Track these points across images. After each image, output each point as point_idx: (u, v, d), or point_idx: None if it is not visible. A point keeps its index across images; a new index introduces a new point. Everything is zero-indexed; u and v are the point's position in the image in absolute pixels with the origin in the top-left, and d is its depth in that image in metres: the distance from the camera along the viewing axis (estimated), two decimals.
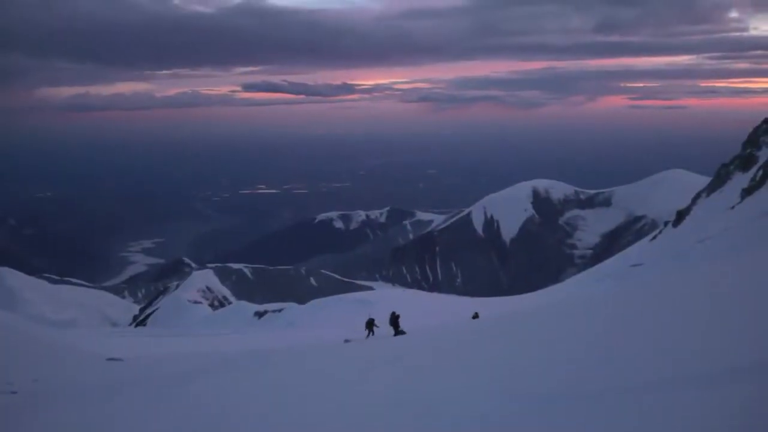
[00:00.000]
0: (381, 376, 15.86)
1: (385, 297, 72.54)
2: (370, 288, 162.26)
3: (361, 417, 10.88)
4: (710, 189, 69.47)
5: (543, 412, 8.73)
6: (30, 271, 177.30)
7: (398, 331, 32.26)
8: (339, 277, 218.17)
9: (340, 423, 10.96)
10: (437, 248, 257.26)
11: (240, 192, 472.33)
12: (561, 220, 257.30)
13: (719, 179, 69.48)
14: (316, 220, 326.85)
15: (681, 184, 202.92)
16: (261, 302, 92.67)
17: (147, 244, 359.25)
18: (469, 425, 8.94)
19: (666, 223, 71.80)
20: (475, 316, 36.62)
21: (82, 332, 67.00)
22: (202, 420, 13.63)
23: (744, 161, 68.29)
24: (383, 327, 33.52)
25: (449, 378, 13.25)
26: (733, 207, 59.79)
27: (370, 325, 33.77)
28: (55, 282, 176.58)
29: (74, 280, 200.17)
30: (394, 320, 32.81)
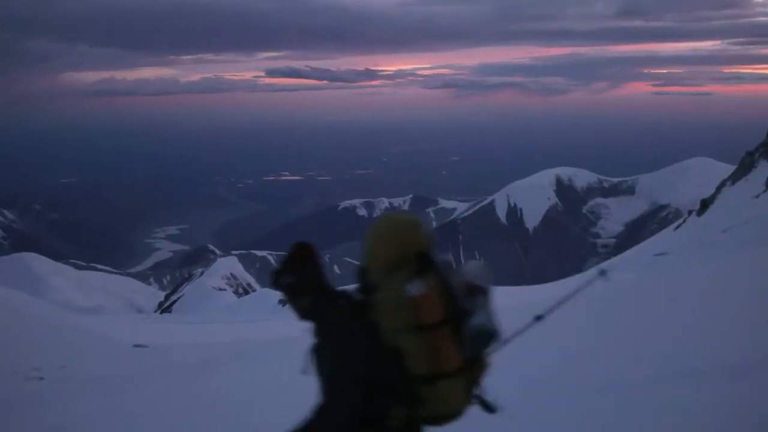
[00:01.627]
0: None
1: None
2: None
3: None
4: (735, 177, 68.68)
5: (554, 403, 8.77)
6: (56, 257, 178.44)
7: None
8: None
9: None
10: (460, 236, 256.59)
11: (264, 178, 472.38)
12: (584, 209, 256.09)
13: (744, 167, 68.67)
14: (340, 208, 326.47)
15: (705, 172, 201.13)
16: None
17: (172, 230, 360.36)
18: (487, 418, 9.00)
19: (690, 212, 71.11)
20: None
21: (108, 318, 67.50)
22: (228, 407, 13.77)
23: None
24: None
25: None
26: (757, 196, 59.18)
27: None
28: (81, 268, 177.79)
29: (100, 267, 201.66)
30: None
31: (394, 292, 3.70)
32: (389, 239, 3.96)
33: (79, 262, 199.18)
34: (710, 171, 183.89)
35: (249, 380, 17.46)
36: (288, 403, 12.93)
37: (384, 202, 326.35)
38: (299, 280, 4.24)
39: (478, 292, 4.03)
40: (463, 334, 3.75)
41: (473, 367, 3.95)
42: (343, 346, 3.90)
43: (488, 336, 3.84)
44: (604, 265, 65.61)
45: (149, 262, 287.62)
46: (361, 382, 3.75)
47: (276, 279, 4.30)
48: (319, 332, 4.16)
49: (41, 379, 22.03)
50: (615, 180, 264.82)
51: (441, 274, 3.84)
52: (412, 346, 3.62)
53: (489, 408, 4.30)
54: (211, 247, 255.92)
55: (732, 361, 8.60)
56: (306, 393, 13.26)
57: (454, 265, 4.16)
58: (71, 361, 26.26)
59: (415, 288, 3.64)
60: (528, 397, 9.52)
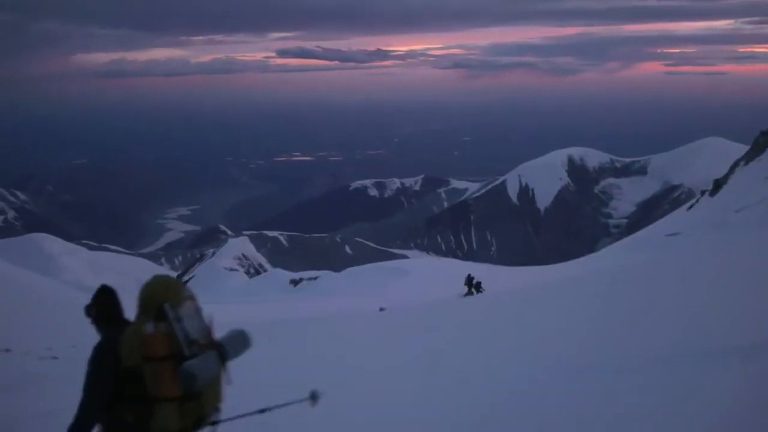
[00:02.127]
0: (414, 345, 15.99)
1: (420, 266, 72.58)
2: (405, 256, 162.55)
3: (394, 385, 10.99)
4: (748, 157, 68.33)
5: (572, 383, 8.77)
6: (68, 237, 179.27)
7: (471, 292, 36.41)
8: (374, 245, 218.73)
9: (372, 391, 11.09)
10: (472, 216, 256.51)
11: (275, 159, 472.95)
12: (596, 189, 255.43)
13: (757, 147, 68.29)
14: (351, 188, 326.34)
15: (718, 152, 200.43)
16: (296, 270, 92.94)
17: (183, 211, 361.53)
18: (500, 396, 9.01)
19: (703, 192, 70.87)
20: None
21: (120, 299, 67.84)
22: (236, 387, 13.80)
23: None
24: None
25: (481, 348, 13.32)
26: None
27: (470, 282, 37.25)
28: (92, 248, 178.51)
29: (112, 247, 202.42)
30: (470, 281, 36.94)
31: (135, 329, 4.90)
32: (143, 292, 5.11)
33: (91, 243, 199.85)
34: (723, 151, 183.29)
35: (258, 361, 17.50)
36: (295, 382, 12.97)
37: (395, 183, 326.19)
38: (97, 312, 5.44)
39: (210, 346, 5.02)
40: (184, 373, 4.67)
41: (195, 398, 4.84)
42: (93, 362, 5.05)
43: (190, 379, 4.66)
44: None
45: (161, 243, 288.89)
46: (104, 389, 4.88)
47: (85, 310, 5.52)
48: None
49: (54, 358, 22.17)
50: (627, 160, 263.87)
51: (173, 323, 4.79)
52: (144, 372, 4.70)
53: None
54: (223, 227, 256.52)
55: (745, 342, 8.56)
56: (313, 372, 13.30)
57: (209, 320, 5.21)
58: (83, 341, 26.38)
59: (149, 329, 4.77)
60: (545, 379, 9.53)
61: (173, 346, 4.77)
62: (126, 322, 5.37)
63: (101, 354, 5.04)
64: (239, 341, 5.54)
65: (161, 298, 4.98)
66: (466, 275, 38.69)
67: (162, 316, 4.87)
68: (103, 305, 5.56)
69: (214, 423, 5.22)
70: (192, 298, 5.21)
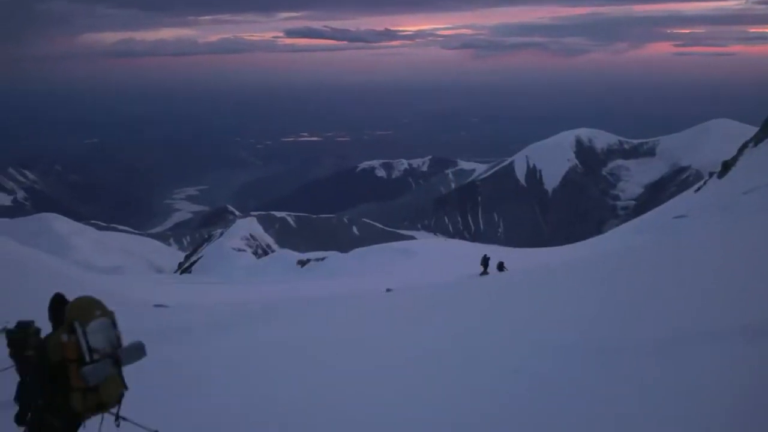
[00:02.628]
0: (420, 326, 16.05)
1: (427, 247, 72.64)
2: (412, 237, 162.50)
3: (399, 367, 11.05)
4: (757, 139, 68.08)
5: (580, 364, 8.82)
6: (77, 217, 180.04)
7: (487, 272, 37.40)
8: (381, 226, 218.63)
9: (376, 372, 11.16)
10: (479, 198, 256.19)
11: (283, 140, 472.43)
12: (604, 171, 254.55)
13: (766, 129, 68.05)
14: (359, 169, 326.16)
15: (727, 133, 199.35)
16: (304, 250, 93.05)
17: (191, 191, 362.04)
18: (504, 378, 9.05)
19: (711, 174, 70.70)
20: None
21: (128, 279, 68.17)
22: (246, 366, 13.93)
23: None
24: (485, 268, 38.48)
25: (487, 329, 13.37)
26: None
27: (486, 263, 38.09)
28: (101, 228, 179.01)
29: (120, 227, 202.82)
30: (486, 262, 37.79)
31: (55, 336, 6.60)
32: (66, 309, 6.70)
33: (100, 223, 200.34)
34: (732, 132, 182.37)
35: (266, 340, 17.61)
36: (304, 362, 13.06)
37: (403, 163, 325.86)
38: (50, 317, 7.13)
39: (109, 355, 6.56)
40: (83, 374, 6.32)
41: (93, 390, 6.44)
42: (35, 353, 6.88)
43: (84, 379, 6.31)
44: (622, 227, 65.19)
45: (169, 223, 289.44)
46: (38, 380, 6.63)
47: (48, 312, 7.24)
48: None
49: None
50: (635, 141, 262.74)
51: (79, 336, 6.37)
52: (67, 368, 6.41)
53: (117, 417, 6.90)
54: (231, 208, 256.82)
55: (752, 323, 8.60)
56: (321, 353, 13.35)
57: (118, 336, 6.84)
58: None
59: (64, 338, 6.40)
60: (551, 359, 9.59)
61: (79, 353, 6.35)
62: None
63: (42, 349, 6.71)
64: (134, 352, 6.92)
65: (74, 316, 6.51)
66: (483, 256, 39.23)
67: (73, 330, 6.41)
68: (54, 311, 7.11)
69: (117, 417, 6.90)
70: (106, 315, 6.76)
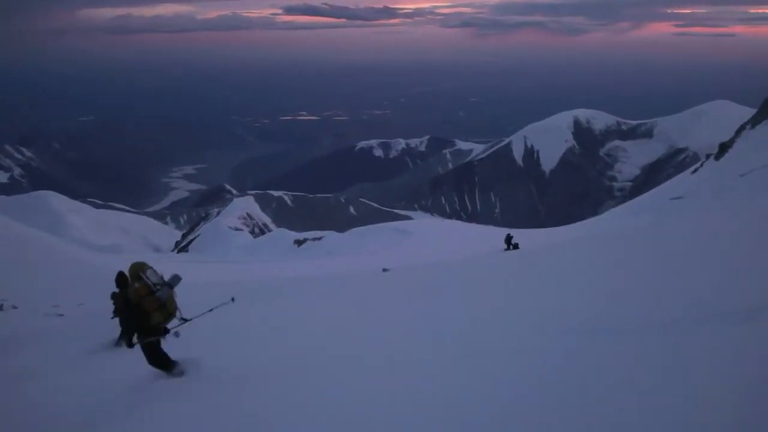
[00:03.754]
0: (416, 306, 16.12)
1: (423, 227, 72.70)
2: (409, 217, 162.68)
3: (396, 348, 11.10)
4: (755, 121, 68.01)
5: (577, 345, 8.87)
6: (73, 195, 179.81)
7: (510, 246, 37.84)
8: (378, 206, 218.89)
9: (373, 351, 11.23)
10: (476, 178, 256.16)
11: (281, 118, 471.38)
12: (601, 151, 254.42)
13: (764, 111, 67.93)
14: (356, 148, 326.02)
15: (725, 115, 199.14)
16: (301, 230, 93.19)
17: (188, 170, 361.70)
18: (505, 359, 9.09)
19: (708, 156, 70.64)
20: (514, 245, 37.42)
21: (125, 257, 68.22)
22: (243, 343, 14.02)
23: None
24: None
25: (486, 311, 13.43)
26: None
27: (509, 241, 38.29)
28: (98, 207, 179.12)
29: (117, 205, 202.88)
30: (509, 240, 38.06)
31: (131, 288, 10.40)
32: (129, 271, 10.50)
33: (97, 201, 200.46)
34: (730, 114, 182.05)
35: (261, 320, 17.69)
36: (299, 341, 13.14)
37: (401, 143, 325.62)
38: (117, 284, 12.50)
39: (163, 284, 10.47)
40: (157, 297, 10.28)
41: (163, 307, 10.39)
42: (123, 303, 11.64)
43: (160, 299, 10.30)
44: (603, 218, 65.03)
45: (166, 202, 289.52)
46: (130, 315, 10.53)
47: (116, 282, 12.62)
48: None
49: (61, 315, 22.45)
50: (633, 123, 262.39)
51: (145, 280, 10.23)
52: (142, 302, 10.22)
53: (183, 323, 11.10)
54: (228, 186, 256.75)
55: (748, 305, 8.67)
56: (315, 332, 13.40)
57: (162, 276, 10.67)
58: (89, 299, 26.61)
59: (137, 285, 10.21)
60: (547, 338, 9.66)
61: (149, 288, 10.28)
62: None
63: (123, 300, 11.23)
64: (175, 278, 10.93)
65: (136, 271, 10.37)
66: (506, 235, 39.83)
67: (139, 278, 10.29)
68: (120, 281, 12.52)
69: (181, 319, 11.00)
70: (151, 268, 10.59)
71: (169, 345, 10.65)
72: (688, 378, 6.43)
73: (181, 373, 10.59)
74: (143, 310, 10.15)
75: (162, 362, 10.59)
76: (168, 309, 10.40)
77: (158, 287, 10.26)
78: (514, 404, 6.78)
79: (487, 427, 6.27)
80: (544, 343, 9.38)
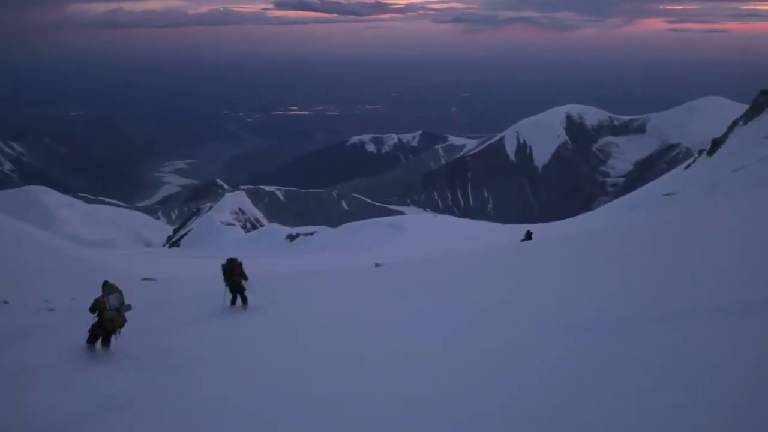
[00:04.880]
0: (410, 301, 16.06)
1: (416, 222, 72.75)
2: (402, 213, 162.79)
3: (391, 346, 11.04)
4: (747, 117, 68.29)
5: (574, 340, 8.81)
6: (65, 190, 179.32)
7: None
8: (370, 201, 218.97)
9: (368, 350, 11.16)
10: (469, 173, 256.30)
11: (272, 113, 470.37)
12: (594, 147, 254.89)
13: (757, 107, 68.21)
14: (348, 143, 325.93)
15: (717, 111, 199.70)
16: (293, 225, 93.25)
17: (180, 164, 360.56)
18: (502, 357, 9.02)
19: (700, 152, 70.89)
20: (528, 236, 37.75)
21: (117, 252, 68.05)
22: (231, 337, 13.94)
23: None
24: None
25: (480, 308, 13.36)
26: None
27: (529, 237, 38.28)
28: (89, 201, 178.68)
29: (109, 200, 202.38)
30: (529, 236, 37.96)
31: (101, 297, 14.28)
32: (106, 286, 14.56)
33: (88, 196, 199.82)
34: (722, 110, 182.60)
35: (253, 314, 17.61)
36: (292, 334, 13.06)
37: (393, 138, 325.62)
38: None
39: (117, 308, 14.29)
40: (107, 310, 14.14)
41: (114, 319, 14.21)
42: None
43: (109, 317, 14.13)
44: (609, 204, 65.40)
45: (158, 196, 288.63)
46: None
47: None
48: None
49: (52, 310, 22.29)
50: (626, 118, 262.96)
51: (106, 301, 14.14)
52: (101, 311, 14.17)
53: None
54: (220, 181, 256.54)
55: (743, 301, 8.62)
56: (308, 326, 13.32)
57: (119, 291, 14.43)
58: (81, 294, 26.45)
59: (101, 298, 14.15)
60: (545, 335, 9.59)
61: (104, 305, 13.97)
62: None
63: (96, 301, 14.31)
64: (126, 307, 14.40)
65: (109, 290, 14.21)
66: (526, 231, 40.06)
67: (107, 294, 14.15)
68: (103, 287, 14.63)
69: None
70: (119, 293, 14.36)
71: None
72: (686, 374, 6.38)
73: (93, 352, 14.48)
74: (100, 314, 14.32)
75: (90, 337, 14.51)
76: (113, 324, 14.35)
77: (110, 308, 14.30)
78: (513, 403, 6.71)
79: (486, 427, 6.19)
80: (542, 340, 9.33)
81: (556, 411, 6.20)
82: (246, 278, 19.98)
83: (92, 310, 14.38)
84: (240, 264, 20.13)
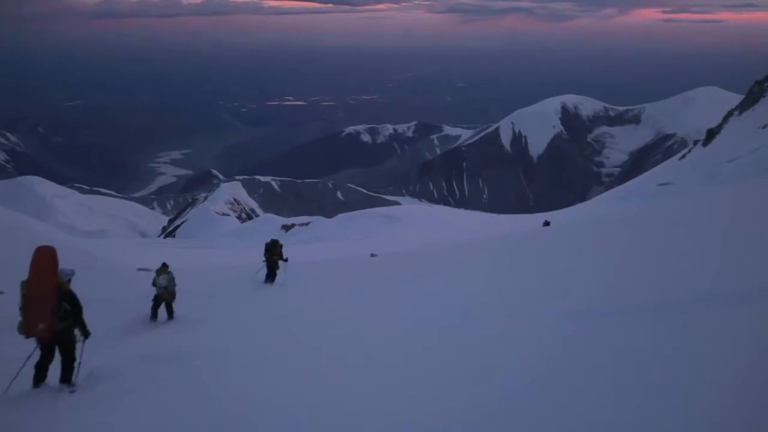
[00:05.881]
0: (405, 292, 16.07)
1: (411, 212, 72.75)
2: (397, 203, 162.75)
3: (385, 334, 11.04)
4: (742, 107, 68.36)
5: (573, 333, 8.81)
6: (59, 180, 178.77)
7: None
8: (366, 192, 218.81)
9: (360, 335, 11.18)
10: (464, 164, 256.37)
11: (267, 103, 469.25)
12: (589, 137, 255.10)
13: (752, 97, 68.28)
14: (344, 134, 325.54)
15: (712, 101, 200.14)
16: (288, 215, 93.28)
17: (175, 155, 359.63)
18: (501, 349, 9.01)
19: (696, 142, 71.02)
20: (546, 223, 38.19)
21: (112, 242, 67.93)
22: (229, 328, 13.95)
23: None
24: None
25: (478, 297, 13.37)
26: (764, 126, 58.95)
27: (547, 224, 39.74)
28: (85, 192, 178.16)
29: (104, 190, 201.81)
30: (547, 224, 38.98)
31: (154, 277, 17.45)
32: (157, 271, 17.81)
33: (83, 186, 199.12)
34: (717, 100, 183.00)
35: (248, 305, 17.61)
36: (285, 324, 13.07)
37: (388, 128, 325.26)
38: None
39: (167, 282, 17.26)
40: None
41: (162, 295, 17.07)
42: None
43: (161, 291, 17.24)
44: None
45: (153, 187, 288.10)
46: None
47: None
48: None
49: None
50: (621, 108, 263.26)
51: (156, 276, 17.34)
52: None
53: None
54: (215, 172, 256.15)
55: (739, 288, 8.64)
56: (304, 317, 13.32)
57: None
58: (76, 284, 26.45)
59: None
60: (543, 325, 9.60)
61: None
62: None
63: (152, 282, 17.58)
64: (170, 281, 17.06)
65: (157, 273, 17.19)
66: (544, 220, 41.20)
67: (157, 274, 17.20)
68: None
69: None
70: (167, 273, 17.39)
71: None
72: (686, 362, 6.39)
73: (155, 320, 16.79)
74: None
75: (151, 309, 17.25)
76: (162, 298, 17.02)
77: (159, 287, 17.10)
78: (516, 394, 6.72)
79: (483, 423, 6.20)
80: (541, 330, 9.32)
81: (554, 408, 6.20)
82: (284, 258, 23.10)
83: (153, 284, 17.31)
84: (281, 246, 23.25)
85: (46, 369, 9.89)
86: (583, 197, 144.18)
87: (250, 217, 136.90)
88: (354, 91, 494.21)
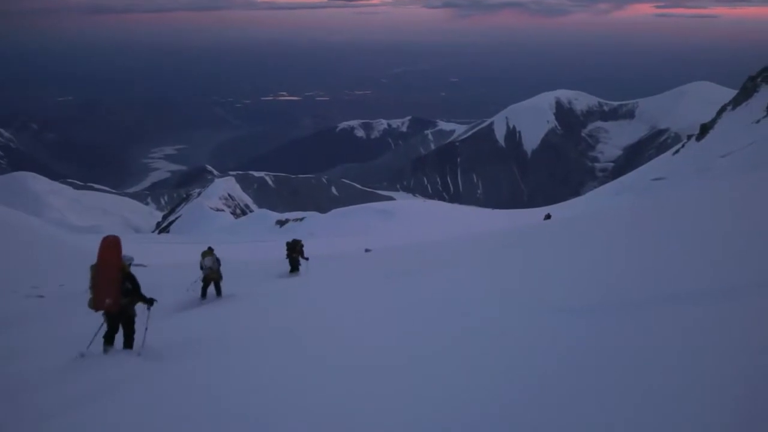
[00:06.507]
0: (398, 287, 16.06)
1: (406, 207, 72.70)
2: (391, 198, 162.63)
3: (381, 333, 11.01)
4: (736, 102, 68.50)
5: (565, 324, 8.80)
6: (53, 176, 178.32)
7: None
8: (360, 187, 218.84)
9: (354, 330, 11.16)
10: (458, 159, 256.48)
11: (261, 99, 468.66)
12: (583, 132, 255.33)
13: (745, 92, 68.43)
14: (338, 129, 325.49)
15: (706, 96, 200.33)
16: (282, 210, 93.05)
17: (169, 150, 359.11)
18: (498, 348, 8.99)
19: (689, 137, 71.10)
20: (548, 216, 38.29)
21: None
22: (222, 320, 13.92)
23: None
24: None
25: (473, 294, 13.35)
26: (758, 121, 59.10)
27: (548, 217, 40.81)
28: (78, 188, 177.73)
29: (97, 186, 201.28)
30: (548, 217, 40.12)
31: (201, 260, 20.95)
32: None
33: (77, 182, 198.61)
34: (711, 95, 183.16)
35: (244, 298, 17.58)
36: (282, 317, 13.04)
37: (382, 124, 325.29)
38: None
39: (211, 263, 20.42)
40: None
41: (207, 275, 20.23)
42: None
43: (206, 272, 20.39)
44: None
45: (147, 182, 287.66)
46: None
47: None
48: None
49: (41, 296, 22.21)
50: (615, 103, 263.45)
51: (202, 259, 20.57)
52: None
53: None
54: (209, 167, 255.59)
55: (730, 283, 8.63)
56: (300, 309, 13.29)
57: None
58: (69, 280, 26.37)
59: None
60: (535, 320, 9.58)
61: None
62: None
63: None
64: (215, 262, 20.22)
65: (202, 256, 20.49)
66: (546, 214, 42.32)
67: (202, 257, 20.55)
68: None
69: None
70: (211, 255, 20.51)
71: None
72: (687, 360, 6.38)
73: (204, 299, 19.44)
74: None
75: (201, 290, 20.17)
76: (208, 278, 19.97)
77: (204, 268, 20.26)
78: (511, 396, 6.70)
79: (483, 423, 6.18)
80: (541, 328, 9.30)
81: (561, 402, 6.17)
82: (305, 257, 25.88)
83: (201, 267, 20.15)
84: (302, 246, 26.24)
85: (113, 338, 11.66)
86: (577, 192, 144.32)
87: (244, 213, 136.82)
88: (348, 87, 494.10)
